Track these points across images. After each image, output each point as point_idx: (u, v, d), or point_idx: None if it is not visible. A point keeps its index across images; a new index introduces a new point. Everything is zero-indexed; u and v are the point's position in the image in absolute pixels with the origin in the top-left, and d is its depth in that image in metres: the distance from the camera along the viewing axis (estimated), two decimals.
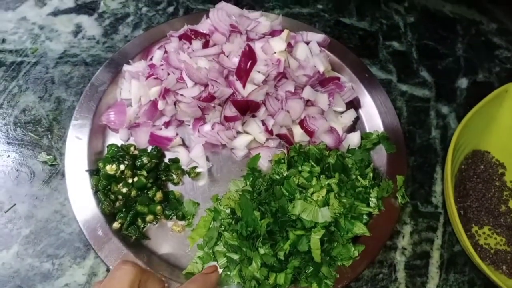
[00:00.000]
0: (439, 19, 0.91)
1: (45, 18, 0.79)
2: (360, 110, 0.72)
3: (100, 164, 0.59)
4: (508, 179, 0.71)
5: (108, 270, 0.56)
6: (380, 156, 0.66)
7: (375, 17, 0.88)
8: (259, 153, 0.64)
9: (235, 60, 0.63)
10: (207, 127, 0.64)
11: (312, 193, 0.57)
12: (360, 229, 0.57)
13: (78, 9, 0.81)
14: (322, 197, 0.56)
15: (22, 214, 0.60)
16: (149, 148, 0.64)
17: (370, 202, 0.60)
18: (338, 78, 0.70)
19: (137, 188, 0.59)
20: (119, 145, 0.63)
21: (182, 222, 0.60)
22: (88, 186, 0.59)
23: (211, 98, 0.62)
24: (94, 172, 0.60)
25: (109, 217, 0.57)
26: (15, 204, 0.60)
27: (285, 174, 0.60)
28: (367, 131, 0.70)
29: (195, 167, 0.64)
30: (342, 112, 0.70)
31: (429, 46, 0.87)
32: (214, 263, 0.56)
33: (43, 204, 0.61)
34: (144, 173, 0.60)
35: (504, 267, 0.62)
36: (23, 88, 0.71)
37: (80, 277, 0.57)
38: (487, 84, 0.83)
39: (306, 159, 0.62)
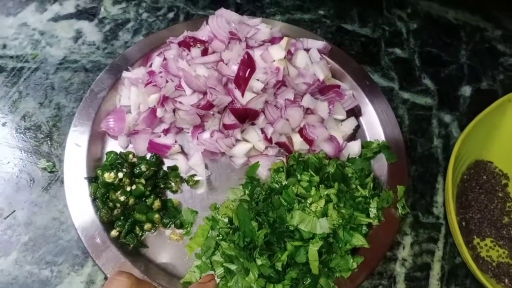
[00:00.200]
0: (442, 26, 0.90)
1: (46, 23, 0.79)
2: (361, 118, 0.71)
3: (99, 172, 0.59)
4: (511, 190, 0.70)
5: (106, 278, 0.56)
6: (380, 165, 0.66)
7: (378, 23, 0.88)
8: (258, 162, 0.64)
9: (234, 68, 0.63)
10: (206, 135, 0.64)
11: (310, 203, 0.56)
12: (359, 240, 0.56)
13: (79, 15, 0.81)
14: (321, 207, 0.56)
15: (21, 220, 0.60)
16: (148, 155, 0.64)
17: (370, 213, 0.60)
18: (338, 86, 0.70)
19: (135, 196, 0.59)
20: (118, 152, 0.63)
21: (180, 231, 0.60)
22: (86, 193, 0.59)
23: (209, 106, 0.62)
24: (92, 179, 0.60)
25: (107, 225, 0.57)
26: (14, 211, 0.61)
27: (284, 183, 0.60)
28: (368, 139, 0.69)
29: (193, 175, 0.63)
30: (343, 120, 0.70)
31: (432, 53, 0.86)
32: (212, 272, 0.55)
33: (42, 211, 0.61)
34: (143, 181, 0.60)
35: (506, 280, 0.61)
36: (24, 94, 0.71)
37: (78, 284, 0.56)
38: (491, 92, 0.82)
39: (306, 168, 0.61)
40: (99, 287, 0.56)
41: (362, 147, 0.67)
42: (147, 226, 0.59)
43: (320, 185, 0.59)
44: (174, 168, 0.63)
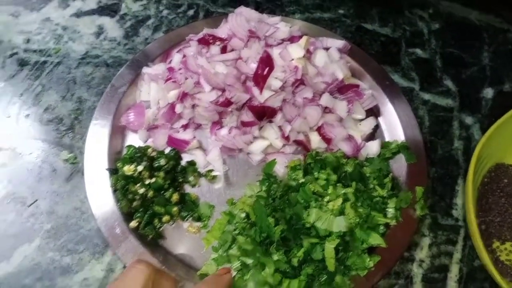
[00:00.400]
0: (465, 27, 0.88)
1: (68, 19, 0.81)
2: (380, 118, 0.71)
3: (119, 164, 0.61)
4: None
5: (125, 267, 0.57)
6: (399, 166, 0.65)
7: (398, 23, 0.87)
8: (274, 159, 0.64)
9: (253, 66, 0.63)
10: (224, 131, 0.65)
11: (328, 202, 0.56)
12: (376, 240, 0.56)
13: (100, 11, 0.83)
14: (338, 206, 0.55)
15: (44, 209, 0.61)
16: (167, 150, 0.65)
17: (387, 213, 0.59)
18: (358, 86, 0.69)
19: (154, 189, 0.60)
20: (137, 146, 0.64)
21: (198, 224, 0.61)
22: (107, 184, 0.60)
23: (228, 103, 0.62)
24: (113, 171, 0.61)
25: (127, 215, 0.58)
26: (37, 200, 0.62)
27: (300, 181, 0.60)
28: (387, 140, 0.69)
29: (211, 170, 0.64)
30: (362, 120, 0.69)
31: (454, 54, 0.84)
32: (229, 265, 0.56)
33: (64, 200, 0.62)
34: (162, 174, 0.61)
35: None
36: (46, 87, 0.73)
37: (98, 272, 0.58)
38: None
39: (323, 167, 0.61)
40: (119, 275, 0.57)
41: (381, 147, 0.66)
42: (165, 218, 0.59)
43: (338, 184, 0.59)
44: (192, 163, 0.64)
